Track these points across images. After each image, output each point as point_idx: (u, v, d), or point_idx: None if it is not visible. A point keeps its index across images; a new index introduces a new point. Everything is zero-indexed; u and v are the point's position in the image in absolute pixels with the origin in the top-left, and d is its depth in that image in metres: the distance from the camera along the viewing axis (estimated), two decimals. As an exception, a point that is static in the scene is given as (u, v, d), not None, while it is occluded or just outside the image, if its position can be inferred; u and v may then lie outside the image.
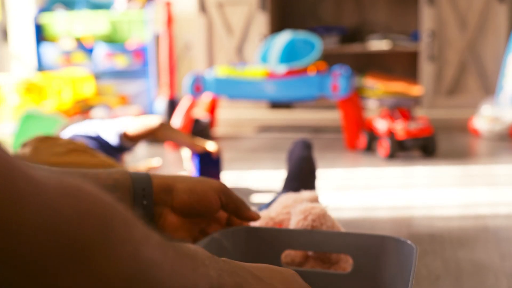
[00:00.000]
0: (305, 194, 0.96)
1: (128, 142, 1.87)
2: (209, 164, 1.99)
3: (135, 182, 0.67)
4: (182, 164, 2.46)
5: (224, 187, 0.72)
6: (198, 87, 3.15)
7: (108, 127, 1.88)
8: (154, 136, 1.93)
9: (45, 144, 1.60)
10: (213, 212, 0.72)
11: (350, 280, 0.86)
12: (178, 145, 2.05)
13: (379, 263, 0.86)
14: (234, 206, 0.74)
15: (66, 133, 1.91)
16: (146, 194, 0.67)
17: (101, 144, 1.88)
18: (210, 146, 2.00)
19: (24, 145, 1.62)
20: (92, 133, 1.88)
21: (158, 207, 0.69)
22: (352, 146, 2.86)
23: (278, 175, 2.22)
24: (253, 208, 0.78)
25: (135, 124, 1.89)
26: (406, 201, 1.92)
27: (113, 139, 1.85)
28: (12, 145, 2.56)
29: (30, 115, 2.61)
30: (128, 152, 2.02)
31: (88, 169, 0.66)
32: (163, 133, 1.92)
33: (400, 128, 2.59)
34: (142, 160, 2.56)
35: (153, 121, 1.92)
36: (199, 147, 1.98)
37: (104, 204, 0.37)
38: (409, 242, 0.83)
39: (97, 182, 0.63)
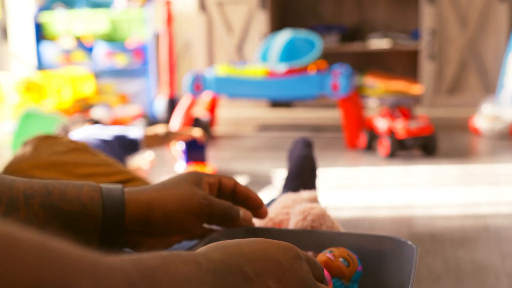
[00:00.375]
0: (304, 194, 0.96)
1: (144, 146, 1.98)
2: (195, 150, 2.31)
3: (106, 211, 0.59)
4: (175, 158, 2.45)
5: (205, 204, 0.63)
6: (198, 86, 3.14)
7: (130, 130, 1.97)
8: (163, 144, 2.13)
9: (46, 143, 1.60)
10: (193, 229, 0.65)
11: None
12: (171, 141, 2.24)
13: (379, 264, 0.85)
14: (220, 219, 0.66)
15: (78, 135, 1.91)
16: (117, 225, 0.59)
17: (116, 145, 1.90)
18: (195, 132, 2.26)
19: (25, 144, 1.62)
20: (109, 135, 1.91)
21: (133, 235, 0.62)
22: (352, 145, 2.86)
23: (278, 174, 2.21)
24: (241, 212, 0.69)
25: (149, 131, 2.04)
26: (406, 200, 1.92)
27: (134, 133, 1.94)
28: (11, 144, 2.55)
29: (30, 114, 2.60)
30: (139, 152, 2.05)
31: (64, 183, 0.59)
32: (168, 139, 2.14)
33: (401, 127, 2.59)
34: (137, 157, 2.55)
35: (161, 129, 2.10)
36: (186, 136, 2.23)
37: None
38: (409, 242, 0.82)
39: (62, 205, 0.57)
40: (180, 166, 2.40)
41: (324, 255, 0.63)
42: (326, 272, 0.60)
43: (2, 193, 0.55)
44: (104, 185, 0.61)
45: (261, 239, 0.49)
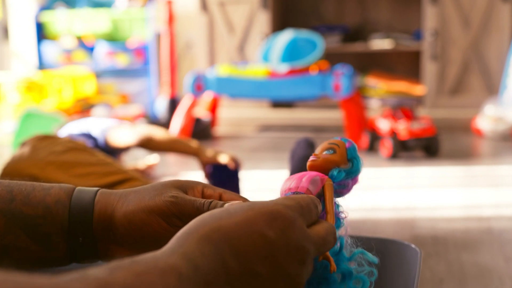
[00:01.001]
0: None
1: (113, 148, 1.86)
2: (225, 179, 1.79)
3: (72, 214, 0.52)
4: (184, 165, 2.44)
5: (172, 202, 0.52)
6: (199, 86, 3.13)
7: (97, 128, 1.87)
8: (145, 147, 1.86)
9: (44, 143, 1.59)
10: (167, 241, 0.50)
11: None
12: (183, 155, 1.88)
13: (382, 267, 0.84)
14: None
15: (64, 131, 1.90)
16: (83, 228, 0.53)
17: (96, 142, 1.88)
18: (223, 158, 1.79)
19: (23, 144, 1.61)
20: (86, 130, 1.88)
21: (102, 243, 0.54)
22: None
23: (280, 175, 2.20)
24: (228, 204, 0.54)
25: (122, 135, 1.83)
26: (408, 202, 1.90)
27: (100, 141, 1.85)
28: (12, 144, 2.54)
29: (30, 113, 2.59)
30: (123, 153, 2.00)
31: (33, 185, 0.54)
32: (154, 143, 1.84)
33: (403, 128, 2.57)
34: (141, 158, 2.54)
35: (132, 134, 1.82)
36: (210, 159, 1.79)
37: None
38: (413, 246, 0.81)
39: (25, 210, 0.52)
40: None
41: (308, 162, 0.57)
42: (320, 175, 0.55)
43: None
44: (79, 188, 0.55)
45: (244, 204, 0.43)
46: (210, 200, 0.53)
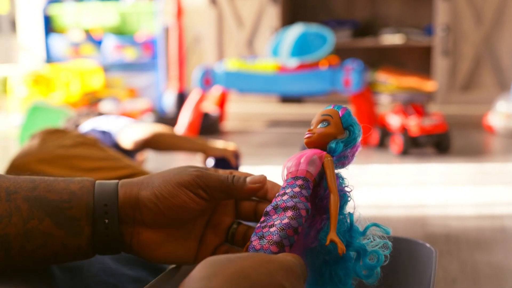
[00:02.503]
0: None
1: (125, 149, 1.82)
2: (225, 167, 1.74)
3: (97, 197, 0.54)
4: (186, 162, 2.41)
5: (197, 175, 0.54)
6: (207, 80, 3.10)
7: (113, 127, 1.82)
8: (152, 148, 1.80)
9: (54, 136, 1.58)
10: (195, 214, 0.56)
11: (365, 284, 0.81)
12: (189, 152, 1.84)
13: (395, 266, 0.81)
14: (221, 191, 0.55)
15: (84, 127, 1.87)
16: (109, 210, 0.54)
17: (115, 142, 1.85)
18: (228, 150, 1.78)
19: (33, 137, 1.59)
20: (105, 128, 1.85)
21: (128, 226, 0.55)
22: (364, 142, 2.81)
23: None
24: (250, 178, 0.57)
25: (128, 137, 1.78)
26: (419, 199, 1.87)
27: (113, 140, 1.81)
28: (18, 137, 2.52)
29: (37, 107, 2.57)
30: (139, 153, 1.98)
31: (55, 177, 0.55)
32: (160, 144, 1.78)
33: (414, 124, 2.54)
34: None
35: (144, 132, 1.77)
36: (216, 151, 1.78)
37: None
38: (427, 245, 0.78)
39: (49, 196, 0.53)
40: None
41: (304, 139, 0.55)
42: (318, 152, 0.53)
43: None
44: (101, 180, 0.57)
45: (262, 256, 0.45)
46: (233, 175, 0.56)
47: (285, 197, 0.52)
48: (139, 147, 1.78)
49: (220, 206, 0.61)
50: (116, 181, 0.56)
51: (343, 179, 0.55)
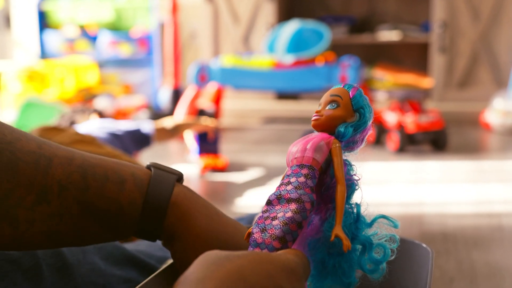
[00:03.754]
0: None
1: (154, 140, 1.92)
2: (208, 141, 2.27)
3: (144, 218, 0.54)
4: (184, 152, 2.40)
5: None
6: (203, 76, 3.08)
7: (142, 124, 1.92)
8: (172, 137, 2.06)
9: (50, 134, 1.56)
10: None
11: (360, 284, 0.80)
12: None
13: (390, 266, 0.80)
14: None
15: (86, 128, 1.85)
16: (154, 230, 0.55)
17: (127, 140, 1.85)
18: (207, 123, 2.20)
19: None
20: (119, 129, 1.85)
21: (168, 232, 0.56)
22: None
23: (284, 169, 2.15)
24: None
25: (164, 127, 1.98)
26: (416, 197, 1.85)
27: (147, 127, 1.89)
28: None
29: (30, 103, 2.55)
30: (149, 146, 1.99)
31: (108, 175, 0.53)
32: (177, 132, 2.06)
33: (410, 121, 2.52)
34: None
35: (168, 123, 2.01)
36: (198, 126, 2.17)
37: None
38: (424, 245, 0.77)
39: (99, 205, 0.52)
40: (193, 157, 2.33)
41: (311, 121, 0.52)
42: (325, 137, 0.50)
43: (35, 179, 0.50)
44: (156, 176, 0.54)
45: (262, 256, 0.43)
46: None
47: (289, 187, 0.49)
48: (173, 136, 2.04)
49: None
50: (170, 189, 0.54)
51: (351, 166, 0.51)
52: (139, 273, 0.77)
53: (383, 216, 0.52)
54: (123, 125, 1.87)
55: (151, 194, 0.53)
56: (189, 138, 2.34)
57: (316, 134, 0.51)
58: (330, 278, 0.50)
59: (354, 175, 0.52)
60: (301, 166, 0.49)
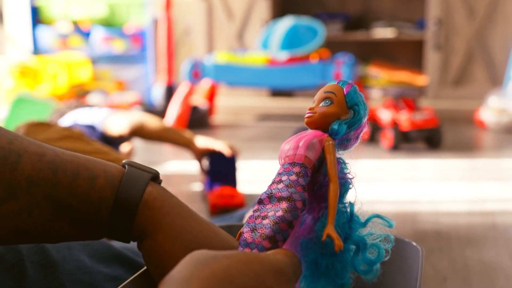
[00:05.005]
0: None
1: (111, 138, 1.80)
2: (222, 168, 1.73)
3: (115, 214, 0.51)
4: (176, 155, 2.38)
5: None
6: (196, 73, 3.06)
7: (96, 118, 1.80)
8: (139, 136, 1.79)
9: (38, 130, 1.54)
10: None
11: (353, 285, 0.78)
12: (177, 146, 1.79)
13: (381, 264, 0.79)
14: None
15: (65, 121, 1.83)
16: (125, 229, 0.51)
17: (99, 134, 1.82)
18: (218, 145, 1.73)
19: (16, 130, 1.55)
20: (88, 121, 1.82)
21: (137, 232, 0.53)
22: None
23: (278, 166, 2.13)
24: None
25: (116, 123, 1.76)
26: (410, 195, 1.84)
27: (98, 131, 1.79)
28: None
29: (22, 99, 2.52)
30: (124, 142, 1.95)
31: (79, 170, 0.51)
32: (146, 132, 1.76)
33: (405, 118, 2.51)
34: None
35: (132, 118, 1.76)
36: (202, 149, 1.73)
37: None
38: (414, 243, 0.75)
39: (68, 199, 0.50)
40: (202, 188, 1.85)
41: (304, 118, 0.51)
42: (318, 135, 0.49)
43: (2, 175, 0.48)
44: (129, 173, 0.52)
45: (251, 256, 0.41)
46: None
47: (280, 186, 0.48)
48: (127, 134, 1.76)
49: None
50: (143, 187, 0.51)
51: (345, 164, 0.50)
52: (126, 270, 0.75)
53: (378, 216, 0.51)
54: (93, 116, 1.82)
55: (122, 191, 0.51)
56: (201, 164, 1.78)
57: (309, 131, 0.50)
58: (323, 279, 0.49)
59: (348, 173, 0.50)
60: (293, 164, 0.48)
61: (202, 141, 1.74)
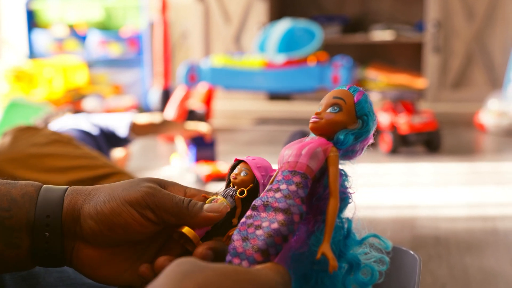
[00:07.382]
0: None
1: (133, 134, 1.85)
2: (204, 147, 2.11)
3: (40, 206, 0.48)
4: (175, 153, 2.35)
5: (148, 192, 0.48)
6: (193, 76, 3.03)
7: (117, 118, 1.85)
8: (157, 132, 1.99)
9: (26, 134, 1.52)
10: (140, 237, 0.49)
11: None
12: (172, 137, 2.10)
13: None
14: (173, 214, 0.48)
15: (60, 126, 1.81)
16: (51, 222, 0.48)
17: (100, 137, 1.81)
18: (203, 128, 2.07)
19: (4, 134, 1.53)
20: (92, 125, 1.80)
21: (69, 240, 0.49)
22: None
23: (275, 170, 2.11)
24: (207, 206, 0.49)
25: (143, 118, 1.91)
26: (409, 200, 1.81)
27: (122, 130, 1.82)
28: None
29: (15, 103, 2.50)
30: (127, 145, 1.95)
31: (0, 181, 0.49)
32: (165, 129, 2.00)
33: (403, 122, 2.48)
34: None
35: (157, 118, 1.96)
36: (192, 132, 2.05)
37: None
38: (411, 252, 0.73)
39: None
40: (187, 164, 2.17)
41: (309, 123, 0.47)
42: (323, 143, 0.45)
43: None
44: (48, 185, 0.50)
45: (239, 271, 0.39)
46: (190, 199, 0.49)
47: (278, 195, 0.44)
48: (151, 131, 1.95)
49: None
50: (65, 187, 0.50)
51: (346, 176, 0.47)
52: None
53: (375, 235, 0.48)
54: (99, 121, 1.84)
55: (45, 188, 0.49)
56: (181, 143, 2.18)
57: (312, 138, 0.47)
58: None
59: (349, 187, 0.47)
60: (293, 172, 0.45)
61: (190, 128, 2.07)
